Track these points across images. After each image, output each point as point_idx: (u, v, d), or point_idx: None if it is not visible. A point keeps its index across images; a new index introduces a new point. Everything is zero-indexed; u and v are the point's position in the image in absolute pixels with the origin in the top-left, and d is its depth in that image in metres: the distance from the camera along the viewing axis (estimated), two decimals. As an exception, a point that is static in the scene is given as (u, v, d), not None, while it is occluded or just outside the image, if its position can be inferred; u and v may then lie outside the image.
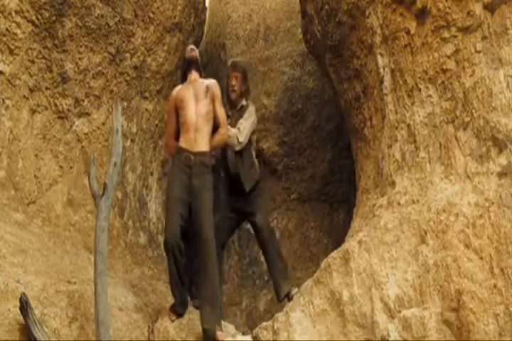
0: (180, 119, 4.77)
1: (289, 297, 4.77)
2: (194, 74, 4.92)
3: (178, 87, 4.97)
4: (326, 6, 5.38)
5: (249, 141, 5.18)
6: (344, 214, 6.94)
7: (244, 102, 5.23)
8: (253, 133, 5.23)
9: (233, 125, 5.06)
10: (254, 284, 6.85)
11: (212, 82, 4.92)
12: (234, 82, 5.21)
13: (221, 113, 4.84)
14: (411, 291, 3.67)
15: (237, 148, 5.05)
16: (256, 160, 5.31)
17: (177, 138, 4.81)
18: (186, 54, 5.04)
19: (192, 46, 5.14)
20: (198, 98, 4.79)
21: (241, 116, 5.13)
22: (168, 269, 4.63)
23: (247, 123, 5.11)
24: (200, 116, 4.72)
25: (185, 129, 4.71)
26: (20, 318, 3.56)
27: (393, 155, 4.48)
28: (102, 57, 5.36)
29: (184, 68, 5.03)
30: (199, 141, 4.67)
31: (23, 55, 4.72)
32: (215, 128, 4.80)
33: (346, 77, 5.41)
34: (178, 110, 4.82)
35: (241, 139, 5.02)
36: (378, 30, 4.70)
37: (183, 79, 5.02)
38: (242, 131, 5.05)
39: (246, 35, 7.78)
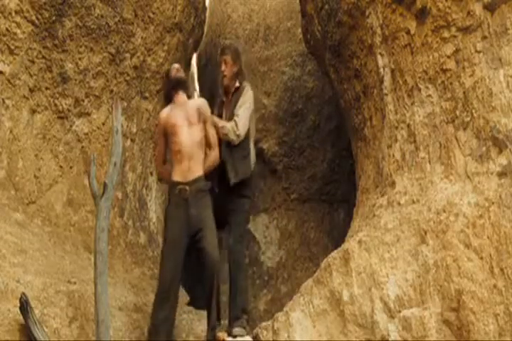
0: (173, 146, 4.58)
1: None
2: (182, 96, 4.74)
3: (167, 110, 4.75)
4: (326, 6, 5.38)
5: (248, 129, 4.96)
6: (344, 214, 6.94)
7: (237, 84, 5.03)
8: (251, 119, 5.01)
9: (231, 111, 4.91)
10: (254, 284, 6.85)
11: (201, 102, 4.78)
12: (223, 67, 5.05)
13: (212, 135, 4.68)
14: (411, 291, 3.67)
15: (237, 142, 4.87)
16: (253, 154, 5.07)
17: (165, 161, 4.67)
18: (172, 74, 4.81)
19: (177, 66, 4.94)
20: (190, 123, 4.61)
21: (237, 100, 4.95)
22: (154, 304, 4.38)
23: (242, 110, 4.91)
24: (194, 143, 4.56)
25: (178, 159, 4.54)
26: (20, 318, 3.56)
27: (393, 155, 4.48)
28: (102, 57, 5.36)
29: (169, 89, 4.81)
30: (193, 168, 4.53)
31: (23, 55, 4.72)
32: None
33: (346, 77, 5.41)
34: (168, 135, 4.63)
35: (238, 132, 4.83)
36: (378, 30, 4.70)
37: (168, 100, 4.80)
38: (238, 122, 4.85)
39: (246, 35, 7.78)
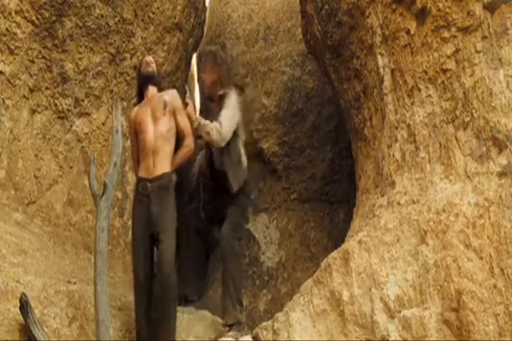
0: (140, 144, 4.49)
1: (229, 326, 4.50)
2: (151, 90, 4.62)
3: (136, 108, 4.68)
4: (326, 6, 5.37)
5: (236, 133, 4.83)
6: (344, 214, 6.93)
7: (221, 92, 4.93)
8: (238, 124, 4.84)
9: (215, 117, 4.77)
10: (254, 284, 6.85)
11: (170, 94, 4.62)
12: (202, 76, 5.03)
13: (184, 123, 4.50)
14: (411, 291, 3.67)
15: (222, 144, 4.70)
16: (244, 157, 4.95)
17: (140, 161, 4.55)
18: (142, 69, 4.71)
19: (147, 59, 4.79)
20: (156, 117, 4.47)
21: (221, 107, 4.81)
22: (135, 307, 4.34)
23: (226, 112, 4.75)
24: (159, 136, 4.41)
25: (144, 155, 4.43)
26: (20, 318, 3.56)
27: (393, 155, 4.48)
28: (102, 57, 5.37)
29: (140, 85, 4.73)
30: (158, 164, 4.37)
31: (23, 55, 4.72)
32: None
33: (346, 77, 5.40)
34: (137, 134, 4.54)
35: (223, 130, 4.65)
36: (378, 30, 4.70)
37: (140, 97, 4.72)
38: (222, 121, 4.68)
39: (246, 35, 7.77)
